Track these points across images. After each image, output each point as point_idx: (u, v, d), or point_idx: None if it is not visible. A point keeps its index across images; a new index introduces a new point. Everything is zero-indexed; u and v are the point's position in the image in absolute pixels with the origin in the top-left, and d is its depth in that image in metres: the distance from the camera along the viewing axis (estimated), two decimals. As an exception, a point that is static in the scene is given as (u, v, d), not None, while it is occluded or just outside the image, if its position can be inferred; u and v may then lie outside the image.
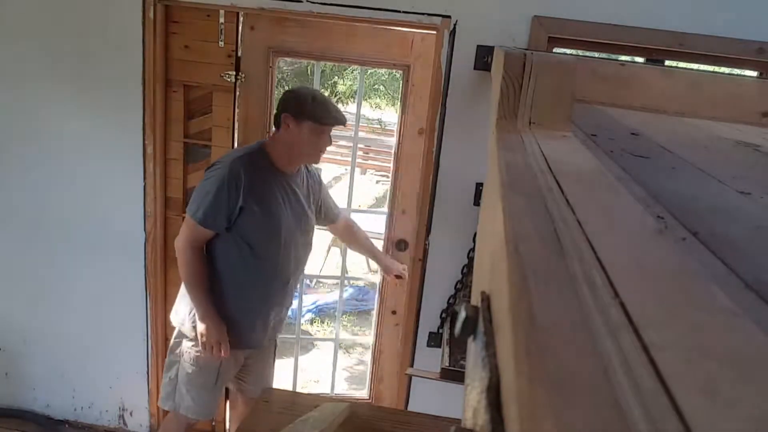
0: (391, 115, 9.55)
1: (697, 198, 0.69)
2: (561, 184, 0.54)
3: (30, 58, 2.50)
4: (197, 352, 2.11)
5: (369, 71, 7.45)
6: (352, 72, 7.48)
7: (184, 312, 2.13)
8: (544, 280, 0.33)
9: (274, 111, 2.14)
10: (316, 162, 2.23)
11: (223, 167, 2.00)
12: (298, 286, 2.54)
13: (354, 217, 2.61)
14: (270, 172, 2.08)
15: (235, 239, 2.05)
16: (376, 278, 2.80)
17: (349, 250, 2.91)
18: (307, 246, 2.27)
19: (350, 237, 2.56)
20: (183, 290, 2.12)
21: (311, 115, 2.03)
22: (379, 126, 8.99)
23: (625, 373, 0.25)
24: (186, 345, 2.13)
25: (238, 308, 2.12)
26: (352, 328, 4.61)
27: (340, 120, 2.09)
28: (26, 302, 2.79)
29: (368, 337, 3.07)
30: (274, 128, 2.15)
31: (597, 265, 0.36)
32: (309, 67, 7.30)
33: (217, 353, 2.08)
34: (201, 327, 2.06)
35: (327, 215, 2.39)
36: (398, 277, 2.50)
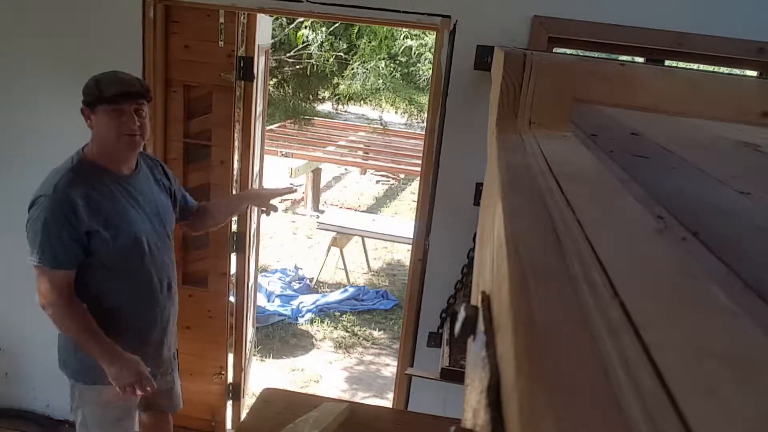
0: (391, 115, 9.54)
1: (697, 198, 0.69)
2: (561, 184, 0.54)
3: (29, 58, 2.50)
4: (96, 392, 1.93)
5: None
6: (353, 72, 7.48)
7: (67, 357, 1.96)
8: (544, 280, 0.33)
9: None
10: (133, 148, 1.85)
11: (46, 199, 1.75)
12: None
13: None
14: (104, 180, 1.81)
15: (97, 268, 1.83)
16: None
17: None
18: (172, 242, 2.06)
19: (207, 213, 2.24)
20: (59, 338, 1.93)
21: (98, 96, 1.74)
22: (380, 126, 8.98)
23: (625, 373, 0.25)
24: (82, 388, 1.94)
25: (135, 338, 1.93)
26: (352, 328, 4.61)
27: (124, 88, 1.75)
28: (26, 302, 2.79)
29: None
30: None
31: (597, 265, 0.36)
32: (308, 68, 7.31)
33: (142, 390, 1.84)
34: (112, 372, 1.82)
35: (186, 207, 2.15)
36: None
